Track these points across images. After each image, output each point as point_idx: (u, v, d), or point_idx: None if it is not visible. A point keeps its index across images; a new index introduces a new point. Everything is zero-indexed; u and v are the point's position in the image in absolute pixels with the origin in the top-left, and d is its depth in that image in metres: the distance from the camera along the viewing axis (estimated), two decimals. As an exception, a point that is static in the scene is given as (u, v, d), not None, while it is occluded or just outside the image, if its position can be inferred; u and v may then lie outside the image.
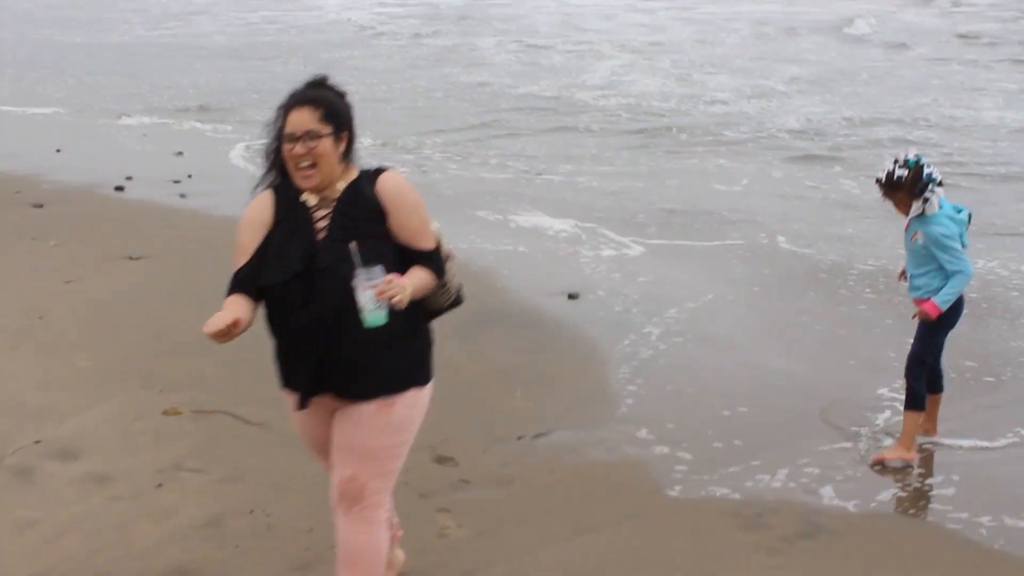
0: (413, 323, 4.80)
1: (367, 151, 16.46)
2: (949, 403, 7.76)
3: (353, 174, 4.76)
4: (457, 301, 5.11)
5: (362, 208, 4.65)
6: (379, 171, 4.77)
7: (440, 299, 4.99)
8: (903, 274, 7.41)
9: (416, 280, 4.62)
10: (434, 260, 4.77)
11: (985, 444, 7.60)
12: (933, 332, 7.19)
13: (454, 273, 5.00)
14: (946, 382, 7.63)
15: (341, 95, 4.82)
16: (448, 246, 4.98)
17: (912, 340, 7.31)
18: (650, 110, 22.12)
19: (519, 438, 7.64)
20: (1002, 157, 17.38)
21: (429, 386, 4.98)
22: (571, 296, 10.32)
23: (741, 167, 17.07)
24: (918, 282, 7.13)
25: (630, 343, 9.35)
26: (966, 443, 7.62)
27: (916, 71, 26.53)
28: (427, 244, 4.75)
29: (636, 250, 12.44)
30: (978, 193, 14.86)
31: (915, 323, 7.26)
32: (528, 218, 13.87)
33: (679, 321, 9.99)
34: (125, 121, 21.20)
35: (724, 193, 15.44)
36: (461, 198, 14.89)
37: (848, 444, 7.59)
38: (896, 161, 6.97)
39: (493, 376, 8.64)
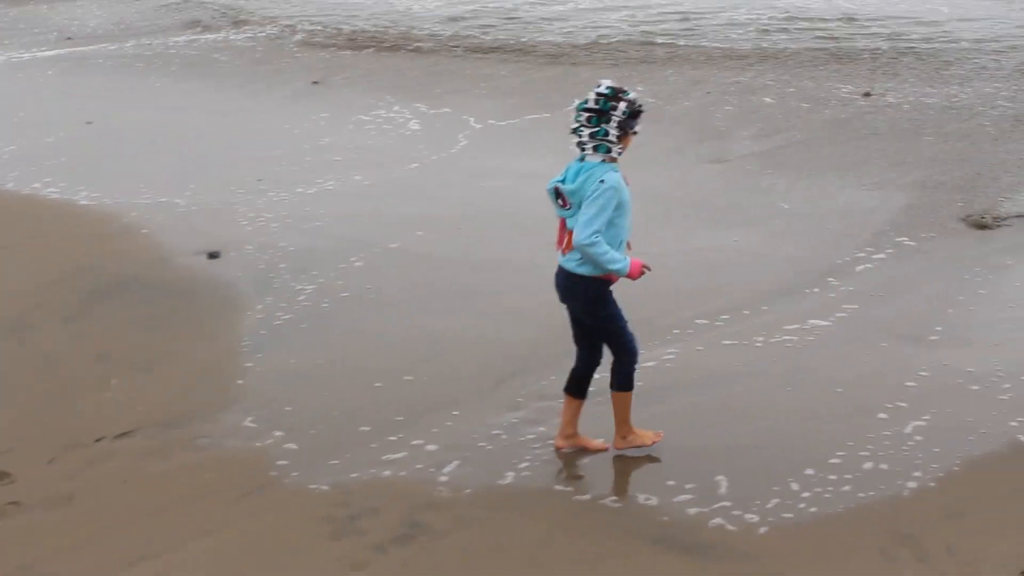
0: None
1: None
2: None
3: None
4: None
5: None
6: None
7: None
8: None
9: None
10: None
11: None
12: None
13: None
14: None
15: None
16: None
17: (609, 318, 6.01)
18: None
19: (98, 440, 6.47)
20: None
21: None
22: (211, 255, 9.09)
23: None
24: None
25: (264, 308, 8.21)
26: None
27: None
28: None
29: (326, 185, 11.27)
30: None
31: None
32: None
33: (347, 274, 8.88)
34: None
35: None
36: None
37: (496, 418, 6.67)
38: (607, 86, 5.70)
39: (90, 363, 7.41)
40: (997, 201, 10.35)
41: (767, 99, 14.28)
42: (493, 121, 13.99)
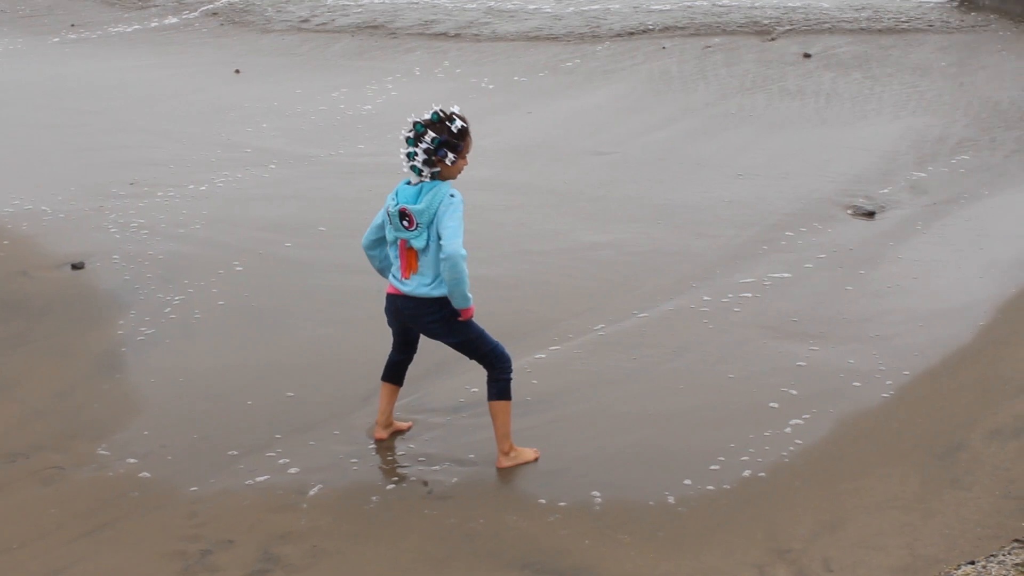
0: None
1: None
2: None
3: None
4: None
5: None
6: None
7: None
8: None
9: None
10: None
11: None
12: None
13: None
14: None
15: None
16: None
17: (471, 330, 5.84)
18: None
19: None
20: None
21: None
22: (75, 266, 8.65)
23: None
24: None
25: (127, 322, 7.80)
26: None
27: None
28: None
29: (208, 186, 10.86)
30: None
31: None
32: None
33: (224, 281, 8.49)
34: None
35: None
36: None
37: (359, 429, 6.38)
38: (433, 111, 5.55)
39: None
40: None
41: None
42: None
